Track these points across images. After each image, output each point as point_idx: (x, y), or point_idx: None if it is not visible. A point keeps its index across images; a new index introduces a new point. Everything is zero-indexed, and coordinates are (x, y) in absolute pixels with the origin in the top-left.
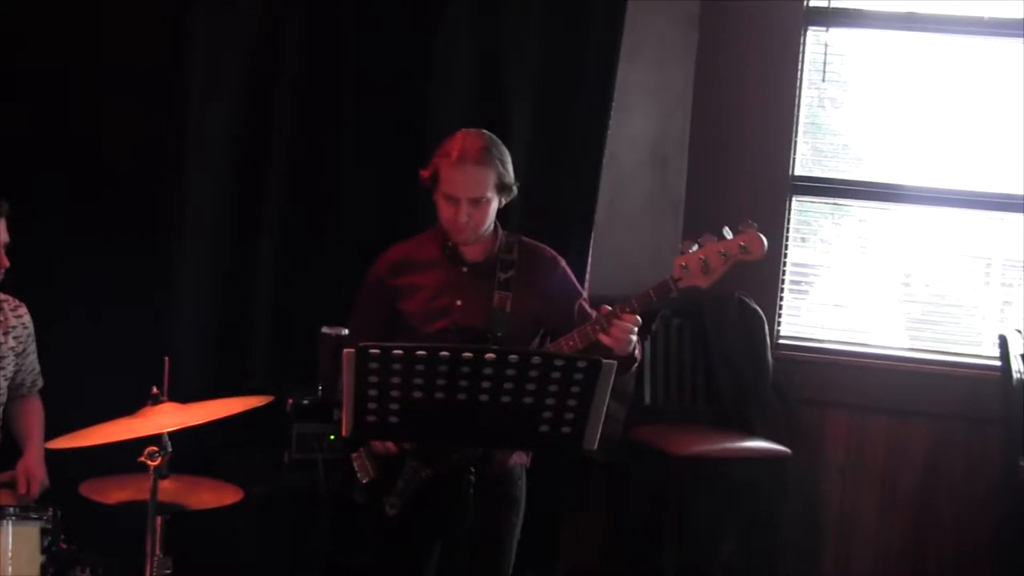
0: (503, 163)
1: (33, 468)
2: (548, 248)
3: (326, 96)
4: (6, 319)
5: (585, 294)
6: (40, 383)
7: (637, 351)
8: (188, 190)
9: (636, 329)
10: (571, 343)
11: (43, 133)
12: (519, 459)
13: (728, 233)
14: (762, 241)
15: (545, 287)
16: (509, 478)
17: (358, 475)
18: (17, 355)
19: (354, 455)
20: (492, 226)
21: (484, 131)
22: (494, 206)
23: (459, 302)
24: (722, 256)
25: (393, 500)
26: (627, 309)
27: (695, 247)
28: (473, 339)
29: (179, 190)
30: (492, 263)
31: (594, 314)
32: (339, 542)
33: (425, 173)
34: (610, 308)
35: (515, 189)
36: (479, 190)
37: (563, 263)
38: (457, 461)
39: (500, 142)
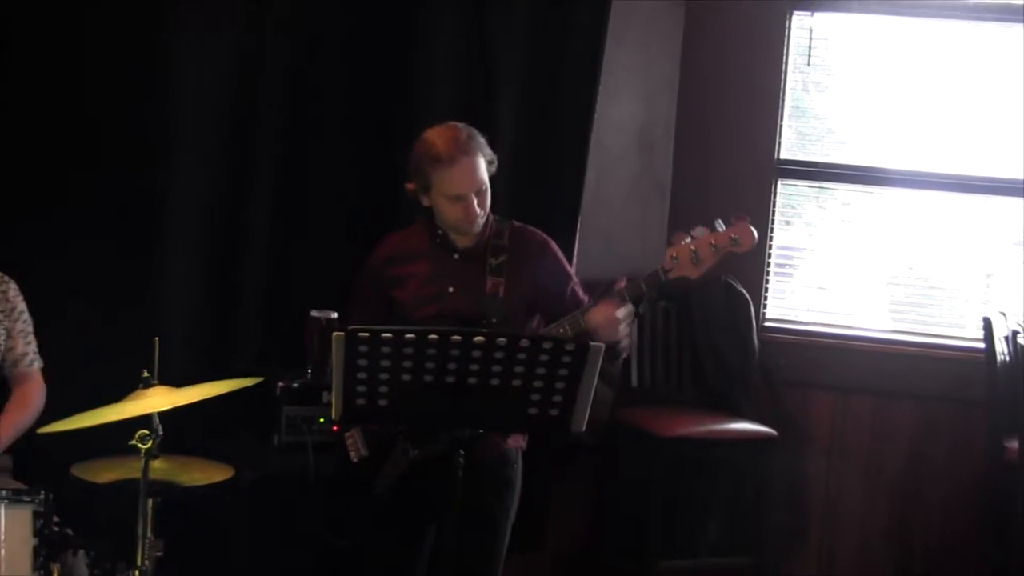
0: (482, 142)
1: None
2: (539, 232)
3: (313, 82)
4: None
5: (576, 279)
6: (39, 363)
7: (625, 343)
8: (177, 176)
9: (625, 317)
10: (561, 330)
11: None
12: (515, 442)
13: (720, 225)
14: (752, 234)
15: (535, 270)
16: (505, 460)
17: (350, 454)
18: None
19: (347, 433)
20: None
21: (449, 122)
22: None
23: (451, 289)
24: (712, 248)
25: (381, 481)
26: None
27: (687, 239)
28: (467, 326)
29: (167, 176)
30: (482, 249)
31: (586, 299)
32: (332, 523)
33: (412, 185)
34: (623, 286)
35: (496, 161)
36: (480, 179)
37: (553, 246)
38: (447, 444)
39: (466, 124)
